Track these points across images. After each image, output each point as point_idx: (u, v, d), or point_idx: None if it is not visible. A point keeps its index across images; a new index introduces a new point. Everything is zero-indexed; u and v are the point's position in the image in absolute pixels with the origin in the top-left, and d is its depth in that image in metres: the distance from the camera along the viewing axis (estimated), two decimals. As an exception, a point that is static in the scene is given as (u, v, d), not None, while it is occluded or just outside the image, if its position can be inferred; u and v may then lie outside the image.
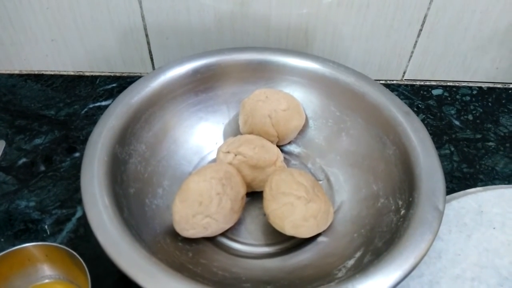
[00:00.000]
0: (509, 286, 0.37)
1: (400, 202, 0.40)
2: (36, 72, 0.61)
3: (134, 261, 0.33)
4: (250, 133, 0.48)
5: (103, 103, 0.57)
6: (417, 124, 0.43)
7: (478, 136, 0.55)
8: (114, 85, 0.59)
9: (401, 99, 0.47)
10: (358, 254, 0.38)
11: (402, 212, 0.38)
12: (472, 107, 0.59)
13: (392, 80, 0.62)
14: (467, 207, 0.42)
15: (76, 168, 0.49)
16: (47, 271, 0.38)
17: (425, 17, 0.54)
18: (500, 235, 0.40)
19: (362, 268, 0.34)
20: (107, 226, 0.34)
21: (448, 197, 0.44)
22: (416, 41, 0.57)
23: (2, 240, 0.43)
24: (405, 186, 0.40)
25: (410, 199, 0.38)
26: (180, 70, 0.48)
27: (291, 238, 0.42)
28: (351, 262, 0.37)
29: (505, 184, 0.49)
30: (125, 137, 0.43)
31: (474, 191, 0.44)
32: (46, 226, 0.44)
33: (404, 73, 0.61)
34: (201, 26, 0.56)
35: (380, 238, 0.38)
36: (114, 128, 0.42)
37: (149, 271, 0.32)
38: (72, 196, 0.47)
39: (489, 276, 0.38)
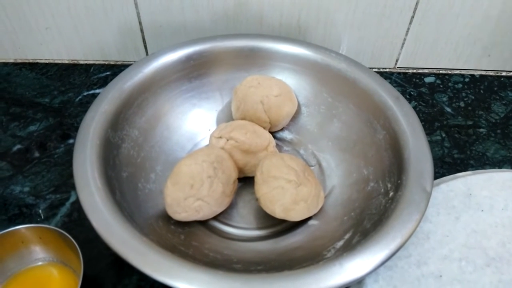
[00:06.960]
0: (496, 266, 0.38)
1: (389, 185, 0.40)
2: (31, 61, 0.61)
3: (124, 240, 0.33)
4: (243, 119, 0.49)
5: (97, 91, 0.57)
6: (407, 108, 0.44)
7: (470, 122, 0.56)
8: (108, 73, 0.60)
9: (394, 86, 0.47)
10: (347, 236, 0.39)
11: (391, 194, 0.39)
12: (464, 94, 0.59)
13: (385, 68, 0.62)
14: (456, 190, 0.43)
15: (70, 155, 0.50)
16: (40, 253, 0.39)
17: (416, 4, 0.54)
18: (488, 217, 0.41)
19: (350, 248, 0.35)
20: (99, 206, 0.35)
21: (438, 180, 0.45)
22: (408, 29, 0.57)
23: (-3, 224, 0.44)
24: (394, 169, 0.41)
25: (399, 181, 0.39)
26: (173, 57, 0.48)
27: (283, 221, 0.42)
28: (340, 243, 0.38)
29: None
30: (118, 122, 0.43)
31: (463, 175, 0.44)
32: (40, 211, 0.45)
33: (397, 61, 0.61)
34: (195, 14, 0.56)
35: (369, 220, 0.38)
36: (106, 112, 0.42)
37: (139, 250, 0.33)
38: (66, 182, 0.47)
39: (476, 257, 0.38)
